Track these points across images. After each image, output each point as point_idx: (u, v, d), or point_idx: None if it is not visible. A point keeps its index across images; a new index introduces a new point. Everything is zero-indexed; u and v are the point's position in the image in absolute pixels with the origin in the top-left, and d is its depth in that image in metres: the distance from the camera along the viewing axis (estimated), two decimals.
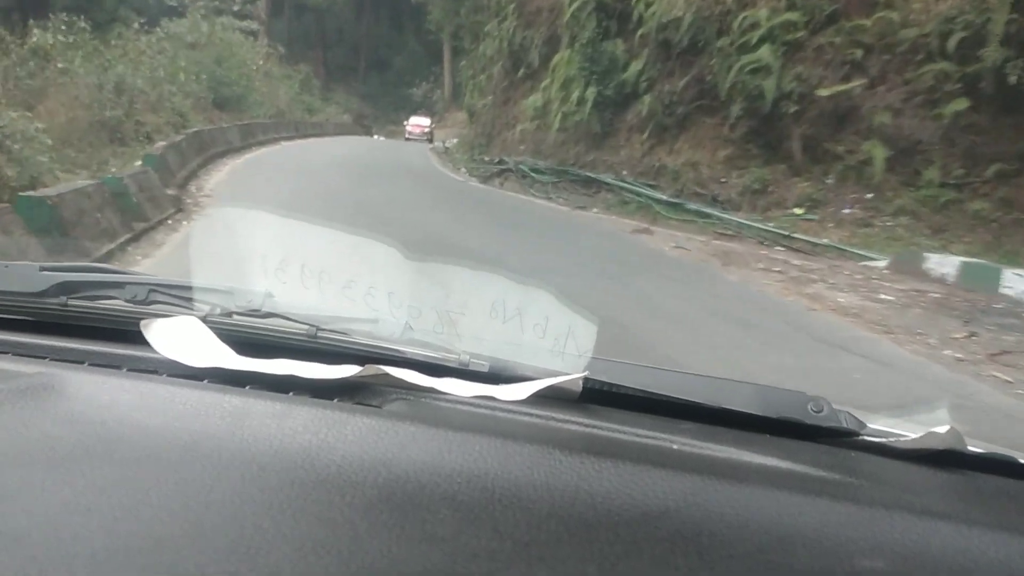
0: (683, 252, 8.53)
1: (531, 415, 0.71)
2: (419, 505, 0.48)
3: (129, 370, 0.75)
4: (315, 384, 0.70)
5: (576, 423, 0.71)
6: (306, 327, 0.83)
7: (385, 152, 28.55)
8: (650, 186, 12.44)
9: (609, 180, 13.40)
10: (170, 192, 8.51)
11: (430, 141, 43.08)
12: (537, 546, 0.45)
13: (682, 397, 0.74)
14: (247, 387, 0.70)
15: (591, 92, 13.98)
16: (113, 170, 8.31)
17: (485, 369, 0.79)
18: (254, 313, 0.85)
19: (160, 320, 0.82)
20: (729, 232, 10.16)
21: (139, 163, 9.11)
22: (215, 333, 0.80)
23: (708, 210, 11.05)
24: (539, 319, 0.84)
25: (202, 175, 9.95)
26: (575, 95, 14.06)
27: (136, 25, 18.69)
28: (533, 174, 15.37)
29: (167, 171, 9.68)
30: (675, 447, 0.66)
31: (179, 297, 0.89)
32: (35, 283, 0.92)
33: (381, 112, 50.65)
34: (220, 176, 11.21)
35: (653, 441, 0.67)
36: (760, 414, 0.73)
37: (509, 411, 0.72)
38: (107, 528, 0.44)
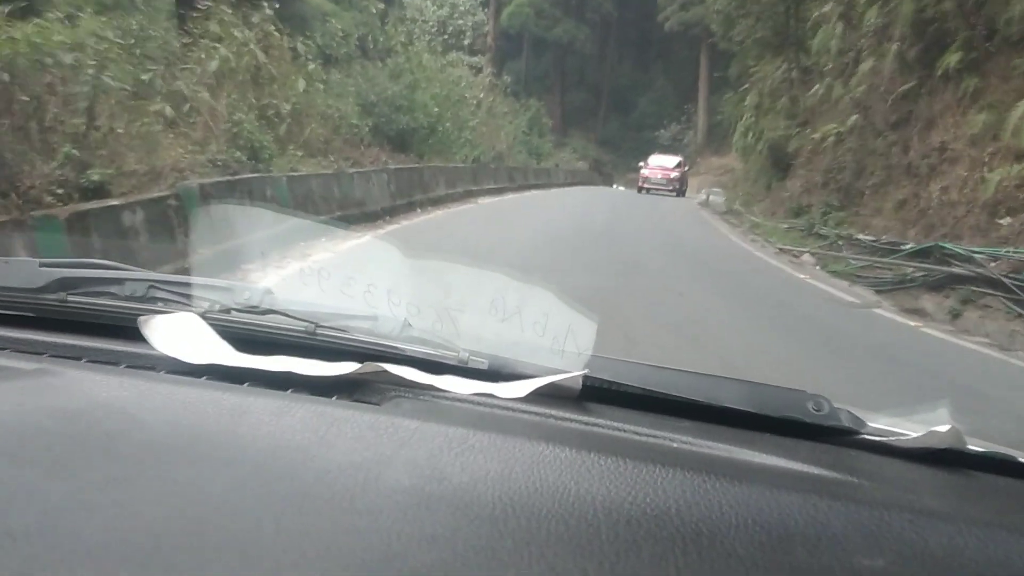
0: None
1: (530, 413, 0.70)
2: (418, 503, 0.49)
3: (127, 366, 0.73)
4: (314, 381, 0.70)
5: (575, 421, 0.70)
6: (305, 324, 0.80)
7: (634, 212, 16.44)
8: None
9: None
10: None
11: (680, 193, 26.96)
12: (536, 544, 0.46)
13: (682, 395, 0.74)
14: (246, 384, 0.69)
15: None
16: None
17: (484, 367, 0.77)
18: (253, 310, 0.82)
19: (159, 316, 0.80)
20: None
21: None
22: (214, 330, 0.79)
23: None
24: (538, 317, 0.79)
25: None
26: None
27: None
28: None
29: None
30: (675, 445, 0.67)
31: (178, 293, 0.86)
32: (34, 279, 0.88)
33: (621, 159, 43.09)
34: None
35: (653, 439, 0.67)
36: (760, 412, 0.73)
37: (508, 409, 0.71)
38: (105, 525, 0.45)
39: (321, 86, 11.42)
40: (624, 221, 13.65)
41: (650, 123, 41.19)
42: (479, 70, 27.45)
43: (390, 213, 10.18)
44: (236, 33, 10.12)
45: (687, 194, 25.77)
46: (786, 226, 13.15)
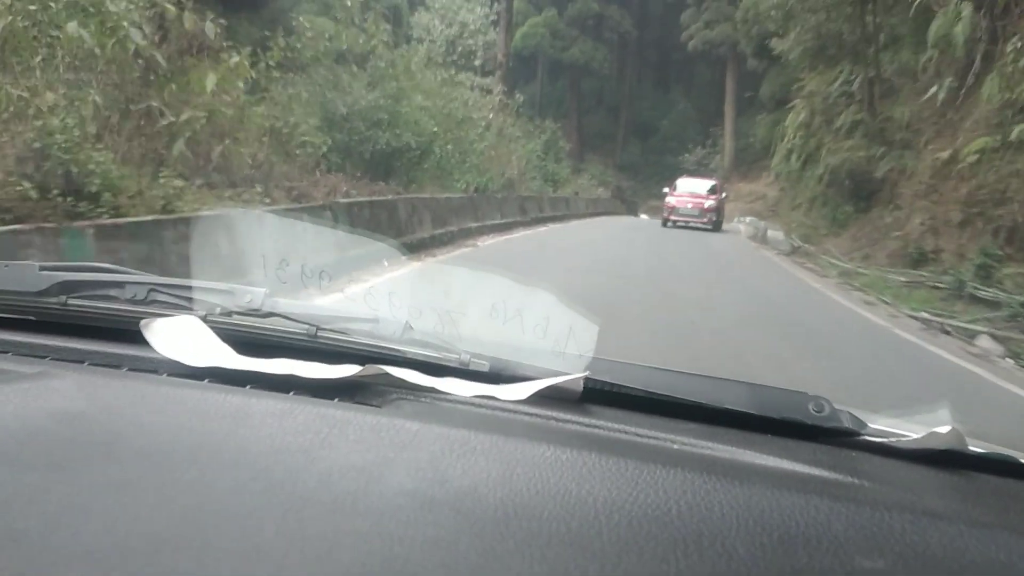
0: None
1: (532, 415, 0.71)
2: (419, 505, 0.50)
3: (129, 369, 0.74)
4: (315, 384, 0.71)
5: (577, 423, 0.70)
6: (306, 327, 0.79)
7: (684, 254, 12.16)
8: None
9: None
10: None
11: (716, 227, 20.88)
12: (538, 546, 0.46)
13: (683, 397, 0.74)
14: (247, 387, 0.70)
15: None
16: None
17: (486, 369, 0.77)
18: (254, 312, 0.82)
19: (160, 319, 0.80)
20: None
21: None
22: (215, 332, 0.79)
23: None
24: (540, 319, 0.78)
25: None
26: None
27: None
28: None
29: None
30: (676, 447, 0.67)
31: (179, 296, 0.86)
32: (35, 282, 0.87)
33: (641, 184, 40.76)
34: None
35: (654, 441, 0.68)
36: (761, 414, 0.73)
37: (510, 411, 0.71)
38: (106, 528, 0.46)
39: (242, 86, 7.78)
40: (677, 269, 10.46)
41: (672, 147, 43.15)
42: (490, 92, 23.80)
43: (331, 272, 6.45)
44: (110, 5, 6.48)
45: (722, 227, 21.42)
46: (903, 279, 9.35)
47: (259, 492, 0.48)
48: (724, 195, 22.29)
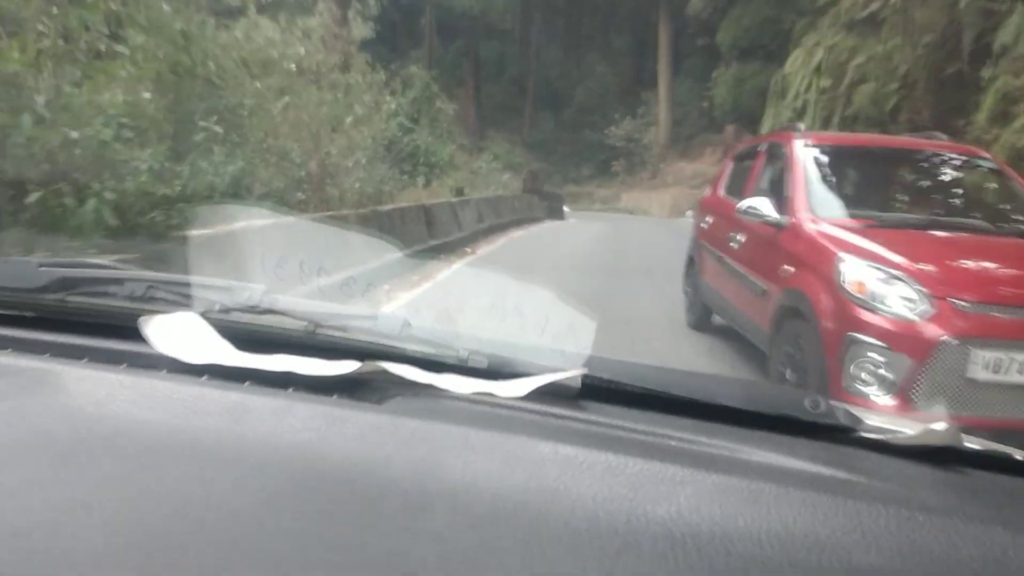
0: None
1: (530, 411, 0.72)
2: (418, 502, 0.51)
3: (128, 366, 0.75)
4: (314, 380, 0.72)
5: (574, 419, 0.72)
6: (305, 323, 0.80)
7: None
8: None
9: None
10: None
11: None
12: (536, 542, 0.47)
13: (680, 394, 0.75)
14: (246, 383, 0.71)
15: None
16: None
17: (484, 365, 0.77)
18: (253, 309, 0.82)
19: (159, 316, 0.81)
20: None
21: None
22: (214, 329, 0.80)
23: None
24: (538, 316, 0.77)
25: None
26: None
27: None
28: None
29: None
30: (673, 443, 0.68)
31: (178, 293, 0.86)
32: (34, 279, 0.88)
33: (556, 167, 32.57)
34: None
35: (651, 437, 0.69)
36: (757, 410, 0.74)
37: (508, 407, 0.72)
38: (106, 524, 0.47)
39: None
40: None
41: (591, 120, 32.79)
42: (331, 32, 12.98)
43: None
44: None
45: (678, 248, 7.30)
46: None
47: (257, 488, 0.47)
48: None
